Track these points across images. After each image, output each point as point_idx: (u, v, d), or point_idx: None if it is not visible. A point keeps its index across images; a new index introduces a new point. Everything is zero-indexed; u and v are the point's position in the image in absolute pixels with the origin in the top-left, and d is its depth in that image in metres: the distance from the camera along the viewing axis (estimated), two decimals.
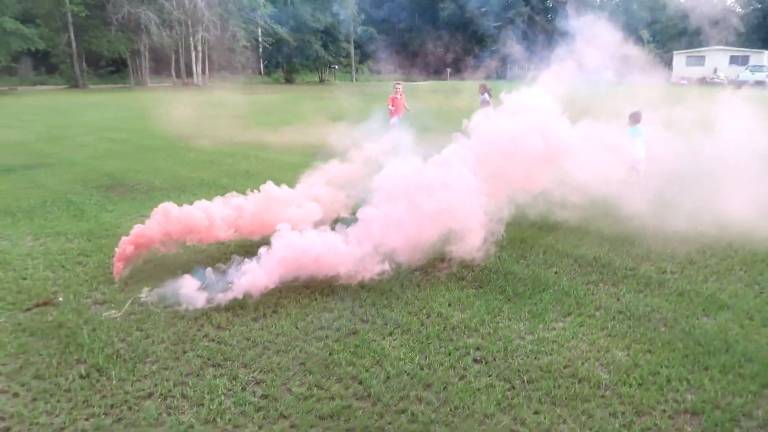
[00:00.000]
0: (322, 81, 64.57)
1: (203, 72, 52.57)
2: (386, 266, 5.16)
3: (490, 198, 5.89)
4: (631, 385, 3.47)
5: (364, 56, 76.40)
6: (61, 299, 4.77)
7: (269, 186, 6.28)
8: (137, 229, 5.42)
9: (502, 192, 6.31)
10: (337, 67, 68.73)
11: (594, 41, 8.38)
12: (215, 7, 50.20)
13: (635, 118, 8.28)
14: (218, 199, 5.98)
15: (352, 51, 69.16)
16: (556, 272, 5.39)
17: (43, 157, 12.27)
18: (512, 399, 3.33)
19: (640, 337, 4.07)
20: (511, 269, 5.40)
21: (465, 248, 5.48)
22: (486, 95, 13.97)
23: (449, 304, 4.65)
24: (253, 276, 4.78)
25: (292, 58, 63.37)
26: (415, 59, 66.14)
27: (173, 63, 52.67)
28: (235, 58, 59.66)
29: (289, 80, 62.21)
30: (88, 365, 3.69)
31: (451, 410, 3.22)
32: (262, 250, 5.00)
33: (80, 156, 12.43)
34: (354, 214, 5.75)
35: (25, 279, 5.24)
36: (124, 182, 9.68)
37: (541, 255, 5.84)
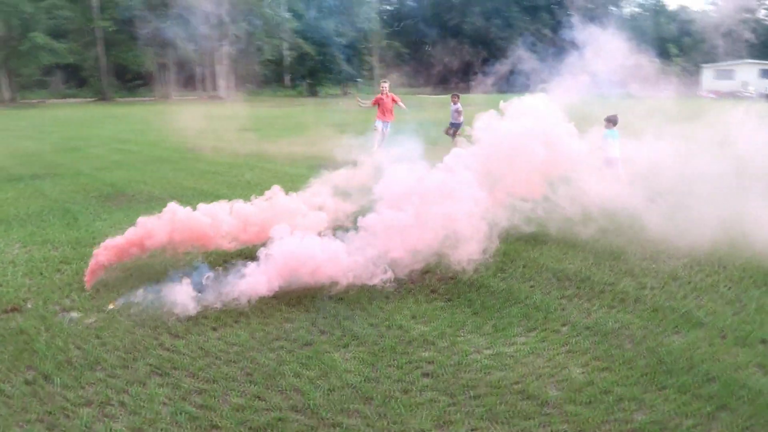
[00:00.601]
0: (345, 94, 65.05)
1: (228, 85, 53.43)
2: (389, 274, 5.12)
3: (492, 206, 5.84)
4: (578, 404, 3.35)
5: (388, 69, 76.85)
6: (30, 306, 4.82)
7: (275, 192, 6.29)
8: (141, 230, 5.43)
9: (504, 200, 6.26)
10: (360, 80, 69.25)
11: (613, 54, 8.30)
12: (240, 21, 51.10)
13: (611, 120, 8.75)
14: (224, 205, 5.98)
15: (376, 65, 69.67)
16: (531, 286, 5.27)
17: (52, 168, 12.55)
18: (452, 415, 3.24)
19: (601, 354, 3.94)
20: (486, 282, 5.29)
21: (461, 257, 5.43)
22: (459, 105, 14.26)
23: (413, 317, 4.57)
24: (254, 280, 4.79)
25: (316, 71, 64.15)
26: (437, 72, 66.31)
27: (199, 76, 53.64)
28: (261, 71, 60.58)
29: (312, 93, 62.79)
30: (37, 372, 3.71)
31: (385, 425, 3.15)
32: (261, 253, 5.00)
33: (88, 167, 12.67)
34: (355, 222, 5.70)
35: (1, 285, 5.31)
36: (125, 192, 9.82)
37: (520, 268, 5.71)
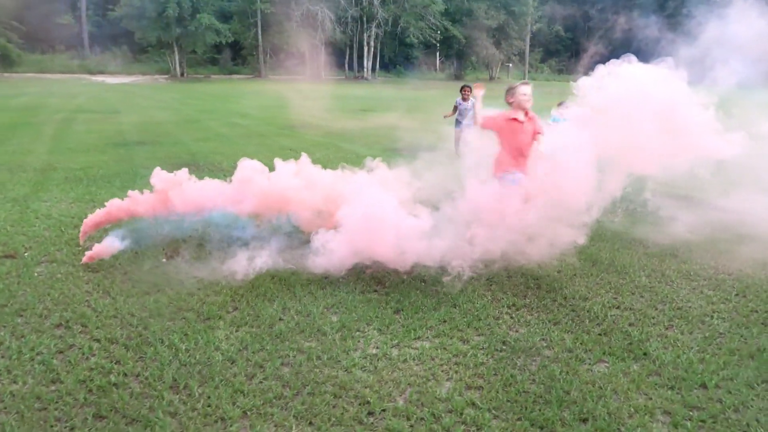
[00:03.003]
0: (492, 79, 63.67)
1: (373, 67, 55.01)
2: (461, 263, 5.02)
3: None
4: (408, 418, 3.06)
5: (546, 54, 73.71)
6: (26, 255, 5.47)
7: (377, 166, 6.14)
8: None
9: (614, 185, 5.57)
10: (511, 65, 67.25)
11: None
12: (389, 4, 52.14)
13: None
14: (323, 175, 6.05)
15: (527, 49, 67.22)
16: (489, 290, 4.86)
17: (160, 136, 13.92)
18: (270, 408, 3.14)
19: (487, 372, 3.55)
20: (441, 280, 4.98)
21: (535, 254, 5.20)
22: (469, 102, 10.58)
23: (332, 306, 4.46)
24: (325, 254, 4.98)
25: (463, 54, 63.41)
26: (601, 59, 62.01)
27: (347, 57, 55.83)
28: (411, 54, 61.33)
29: (458, 77, 62.26)
30: None
31: (199, 407, 3.14)
32: (342, 219, 5.12)
33: (190, 137, 13.87)
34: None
35: (23, 235, 6.07)
36: (198, 162, 10.61)
37: (495, 271, 5.27)
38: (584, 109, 5.61)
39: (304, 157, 6.09)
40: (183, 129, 15.52)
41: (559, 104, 8.76)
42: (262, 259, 5.17)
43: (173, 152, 11.58)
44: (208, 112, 20.50)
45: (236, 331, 4.03)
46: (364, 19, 52.21)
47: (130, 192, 5.94)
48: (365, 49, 53.88)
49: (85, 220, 5.78)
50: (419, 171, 6.28)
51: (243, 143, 13.04)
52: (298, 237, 5.80)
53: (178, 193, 5.79)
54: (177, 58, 47.62)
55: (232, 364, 3.58)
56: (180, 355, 3.67)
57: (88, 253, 5.23)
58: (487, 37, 59.22)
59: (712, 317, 4.44)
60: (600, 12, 64.32)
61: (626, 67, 5.57)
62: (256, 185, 5.77)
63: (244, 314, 4.28)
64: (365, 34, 52.99)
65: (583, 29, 69.83)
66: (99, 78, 46.04)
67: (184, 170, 6.09)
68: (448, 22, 56.58)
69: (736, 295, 4.89)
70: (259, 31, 48.33)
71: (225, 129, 15.78)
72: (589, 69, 5.90)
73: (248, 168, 5.98)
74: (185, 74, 49.09)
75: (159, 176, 5.96)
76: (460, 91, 10.94)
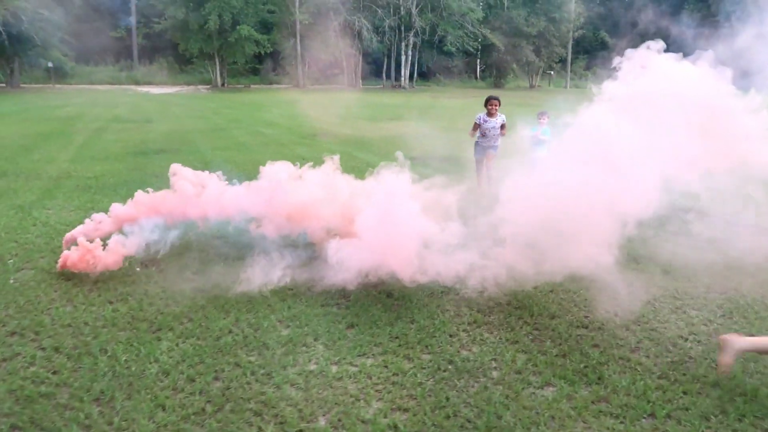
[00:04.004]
0: (532, 87, 62.65)
1: (411, 76, 54.98)
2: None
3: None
4: None
5: (592, 61, 72.17)
6: (9, 261, 5.61)
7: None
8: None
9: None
10: (552, 73, 66.16)
11: None
12: (427, 12, 52.07)
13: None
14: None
15: (569, 56, 65.90)
16: (456, 304, 4.69)
17: (181, 145, 14.21)
18: (185, 425, 3.09)
19: (421, 394, 3.41)
20: (410, 295, 4.84)
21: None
22: (503, 116, 8.60)
23: (287, 319, 4.39)
24: (336, 268, 4.86)
25: (503, 62, 62.64)
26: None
27: (384, 66, 55.99)
28: (450, 63, 61.07)
29: (497, 85, 61.43)
30: None
31: (114, 421, 3.11)
32: (360, 228, 4.97)
33: (210, 146, 14.10)
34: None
35: (14, 242, 6.25)
36: (210, 170, 10.73)
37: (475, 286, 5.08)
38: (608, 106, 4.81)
39: (328, 165, 5.91)
40: (207, 138, 15.80)
41: (540, 114, 8.50)
42: (246, 273, 5.07)
43: (188, 160, 11.73)
44: (237, 121, 20.85)
45: (182, 342, 4.01)
46: (402, 28, 52.28)
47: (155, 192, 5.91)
48: (403, 57, 53.92)
49: (85, 228, 5.72)
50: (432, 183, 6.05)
51: (260, 152, 13.16)
52: (306, 251, 5.72)
53: (196, 200, 5.78)
54: (218, 68, 48.79)
55: (165, 376, 3.55)
56: (117, 366, 3.66)
57: (102, 261, 5.16)
58: (527, 44, 58.35)
59: (686, 340, 4.17)
60: (642, 14, 62.42)
61: (656, 61, 4.96)
62: (274, 197, 5.62)
63: (196, 326, 4.25)
64: (403, 43, 53.03)
65: (630, 34, 67.85)
66: (144, 88, 47.52)
67: (218, 173, 6.24)
68: (487, 30, 56.04)
69: (722, 316, 4.59)
70: (298, 42, 49.04)
71: (247, 138, 15.99)
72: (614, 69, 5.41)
73: (272, 173, 5.88)
74: (226, 84, 50.25)
75: (180, 174, 5.96)
76: (485, 104, 8.52)
